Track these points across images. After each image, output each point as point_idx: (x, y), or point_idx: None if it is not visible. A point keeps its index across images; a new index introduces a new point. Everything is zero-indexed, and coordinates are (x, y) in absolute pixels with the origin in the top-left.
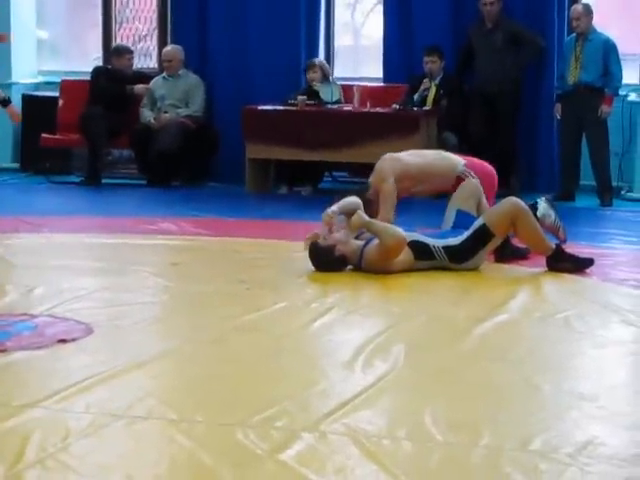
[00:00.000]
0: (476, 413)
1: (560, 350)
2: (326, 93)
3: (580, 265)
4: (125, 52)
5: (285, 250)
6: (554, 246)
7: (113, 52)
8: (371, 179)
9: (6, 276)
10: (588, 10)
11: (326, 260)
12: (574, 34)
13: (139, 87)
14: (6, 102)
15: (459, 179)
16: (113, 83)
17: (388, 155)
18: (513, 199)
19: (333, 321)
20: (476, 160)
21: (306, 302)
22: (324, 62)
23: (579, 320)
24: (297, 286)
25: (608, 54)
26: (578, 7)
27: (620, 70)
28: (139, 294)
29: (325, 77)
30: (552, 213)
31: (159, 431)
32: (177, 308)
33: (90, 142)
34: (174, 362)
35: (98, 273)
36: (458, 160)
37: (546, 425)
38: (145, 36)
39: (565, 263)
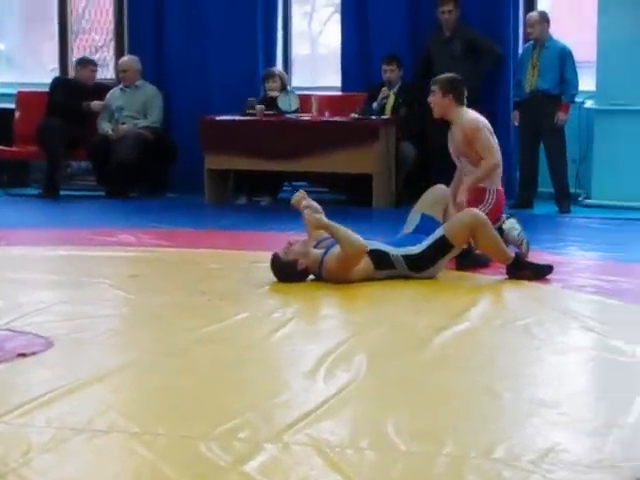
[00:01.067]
0: (438, 422)
1: (520, 357)
2: (284, 103)
3: (539, 272)
4: (89, 64)
5: (245, 261)
6: (513, 255)
7: (77, 63)
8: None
9: None
10: (543, 18)
11: (288, 273)
12: (531, 42)
13: (95, 103)
14: None
15: (482, 191)
16: (72, 95)
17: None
18: (473, 211)
19: (294, 331)
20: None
21: (267, 313)
22: (283, 72)
23: (539, 327)
24: (258, 297)
25: (564, 61)
26: (533, 15)
27: (576, 77)
28: (99, 307)
29: (284, 87)
30: (518, 227)
31: (121, 444)
32: (137, 320)
33: (48, 154)
34: (135, 375)
35: (57, 286)
36: None
37: (508, 433)
38: (101, 47)
39: (525, 271)
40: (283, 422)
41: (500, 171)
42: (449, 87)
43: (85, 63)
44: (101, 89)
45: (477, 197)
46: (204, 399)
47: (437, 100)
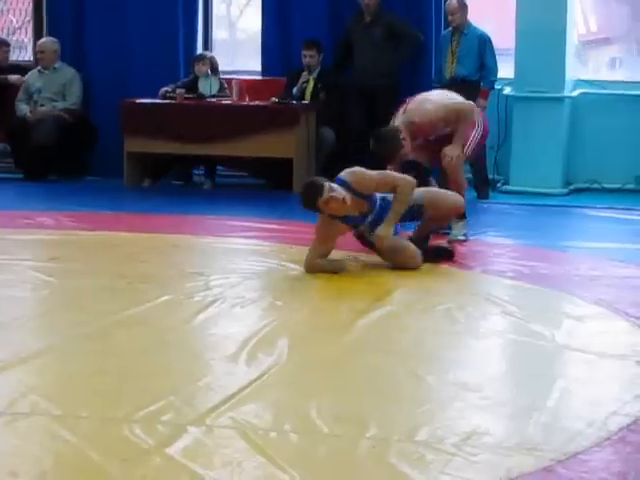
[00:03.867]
0: (361, 405)
1: (443, 341)
2: (205, 86)
3: (438, 255)
4: (2, 44)
5: (165, 244)
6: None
7: None
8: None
9: None
10: (463, 5)
11: (313, 196)
12: (450, 28)
13: (13, 77)
14: None
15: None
16: None
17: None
18: (461, 200)
19: (216, 315)
20: None
21: (188, 295)
22: (214, 56)
23: (460, 312)
24: (178, 280)
25: (484, 48)
26: (453, 2)
27: (495, 64)
28: (18, 289)
29: (214, 71)
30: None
31: (43, 427)
32: (57, 303)
33: None
34: (56, 358)
35: None
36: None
37: (431, 416)
38: (18, 28)
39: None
40: (206, 405)
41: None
42: None
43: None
44: (17, 70)
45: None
46: (126, 382)
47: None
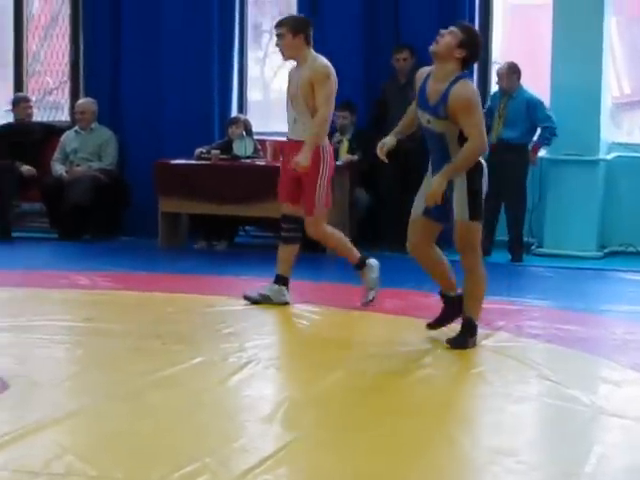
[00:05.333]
0: (397, 468)
1: (477, 405)
2: (239, 147)
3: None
4: (20, 101)
5: (200, 304)
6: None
7: (12, 103)
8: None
9: None
10: (512, 70)
11: None
12: (497, 90)
13: (26, 169)
14: None
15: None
16: (19, 136)
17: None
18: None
19: (251, 376)
20: None
21: (223, 356)
22: (247, 119)
23: (495, 374)
24: (213, 341)
25: (534, 111)
26: (504, 66)
27: (550, 118)
28: (53, 349)
29: (248, 133)
30: (377, 272)
31: None
32: (92, 363)
33: None
34: (91, 418)
35: (11, 328)
36: None
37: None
38: (55, 89)
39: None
40: (241, 467)
41: (328, 127)
42: (299, 27)
43: (18, 101)
44: (49, 129)
45: (313, 157)
46: (161, 443)
47: (288, 42)
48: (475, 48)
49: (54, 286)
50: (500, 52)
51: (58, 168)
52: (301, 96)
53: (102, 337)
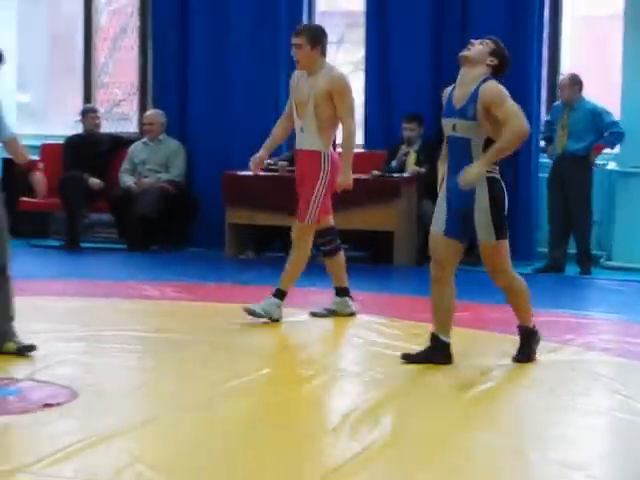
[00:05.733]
0: None
1: (546, 418)
2: None
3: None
4: (88, 112)
5: None
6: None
7: (81, 114)
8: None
9: None
10: (573, 81)
11: None
12: (559, 102)
13: (94, 182)
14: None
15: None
16: (88, 147)
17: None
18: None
19: (318, 387)
20: None
21: (291, 368)
22: None
23: (564, 387)
24: (281, 351)
25: (599, 118)
26: (565, 78)
27: (617, 124)
28: (123, 359)
29: None
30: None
31: None
32: (161, 373)
33: (67, 206)
34: (160, 428)
35: (81, 337)
36: None
37: None
38: (123, 101)
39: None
40: (310, 478)
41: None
42: (318, 39)
43: (86, 112)
44: (120, 141)
45: (311, 164)
46: (230, 453)
47: (306, 53)
48: (505, 59)
49: (123, 296)
50: (569, 64)
51: (126, 179)
52: (313, 106)
53: (171, 347)
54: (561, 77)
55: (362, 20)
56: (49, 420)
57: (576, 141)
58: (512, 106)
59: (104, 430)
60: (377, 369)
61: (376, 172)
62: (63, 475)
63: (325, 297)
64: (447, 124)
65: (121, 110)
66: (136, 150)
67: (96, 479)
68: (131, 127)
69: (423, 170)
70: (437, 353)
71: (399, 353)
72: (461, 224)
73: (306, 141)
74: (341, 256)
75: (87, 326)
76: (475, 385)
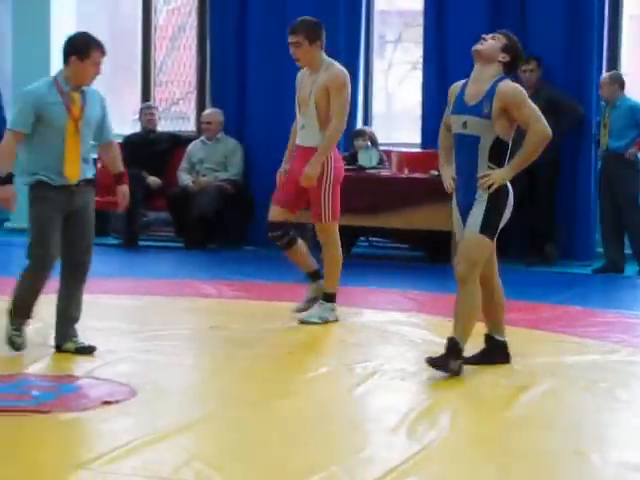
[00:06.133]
0: None
1: (605, 419)
2: (365, 158)
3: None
4: (146, 109)
5: None
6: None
7: (139, 112)
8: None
9: (48, 337)
10: (613, 79)
11: None
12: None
13: (152, 180)
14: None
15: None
16: (146, 145)
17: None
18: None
19: (376, 386)
20: None
21: (348, 366)
22: (372, 131)
23: (624, 389)
24: (339, 350)
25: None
26: (604, 76)
27: None
28: (180, 356)
29: (373, 144)
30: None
31: None
32: (219, 371)
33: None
34: (218, 425)
35: (139, 335)
36: None
37: None
38: (181, 99)
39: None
40: (367, 477)
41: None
42: (316, 34)
43: (142, 110)
44: (178, 140)
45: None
46: (287, 452)
47: (305, 50)
48: (518, 53)
49: (180, 294)
50: (629, 63)
51: (184, 178)
52: (314, 102)
53: (229, 345)
54: (602, 76)
55: (420, 19)
56: (108, 417)
57: (617, 139)
58: (533, 109)
59: (162, 428)
60: (432, 370)
61: (434, 172)
62: (122, 472)
63: (386, 296)
64: (457, 121)
65: (179, 109)
66: (194, 149)
67: (155, 476)
68: (189, 126)
69: None
70: (494, 353)
71: None
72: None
73: (308, 138)
74: (300, 244)
75: (145, 324)
76: (532, 385)
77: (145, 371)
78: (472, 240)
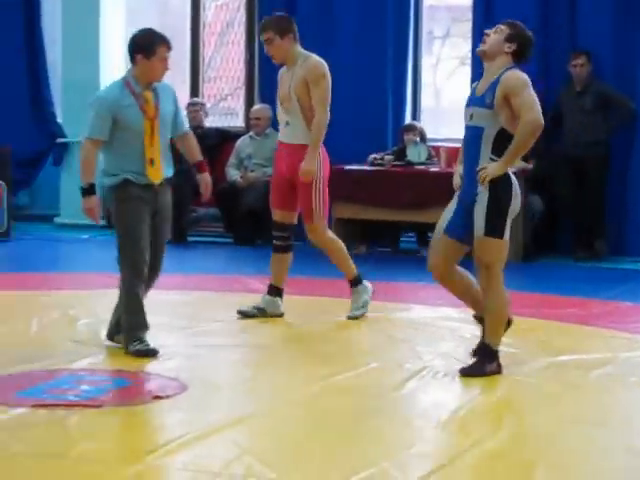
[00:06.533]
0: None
1: None
2: (413, 154)
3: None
4: (189, 105)
5: (373, 310)
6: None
7: (186, 108)
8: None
9: (99, 333)
10: None
11: None
12: None
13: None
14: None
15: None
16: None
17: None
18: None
19: (426, 382)
20: None
21: (398, 363)
22: (422, 126)
23: None
24: (388, 346)
25: None
26: None
27: None
28: (230, 352)
29: (422, 139)
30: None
31: None
32: (269, 367)
33: (175, 200)
34: (269, 420)
35: (188, 331)
36: None
37: None
38: (229, 95)
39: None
40: (418, 473)
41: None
42: (286, 28)
43: (189, 106)
44: (227, 135)
45: (303, 158)
46: (338, 447)
47: (277, 45)
48: (524, 40)
49: (229, 290)
50: None
51: (233, 173)
52: (295, 97)
53: (278, 341)
54: None
55: (468, 14)
56: (159, 412)
57: None
58: (528, 96)
59: (213, 422)
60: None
61: None
62: (173, 466)
63: (435, 291)
64: (466, 114)
65: (227, 105)
66: (243, 144)
67: (206, 471)
68: (237, 122)
69: (530, 165)
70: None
71: (506, 349)
72: (464, 219)
73: (293, 135)
74: (290, 256)
75: (194, 319)
76: (583, 382)
77: (195, 366)
78: (481, 245)
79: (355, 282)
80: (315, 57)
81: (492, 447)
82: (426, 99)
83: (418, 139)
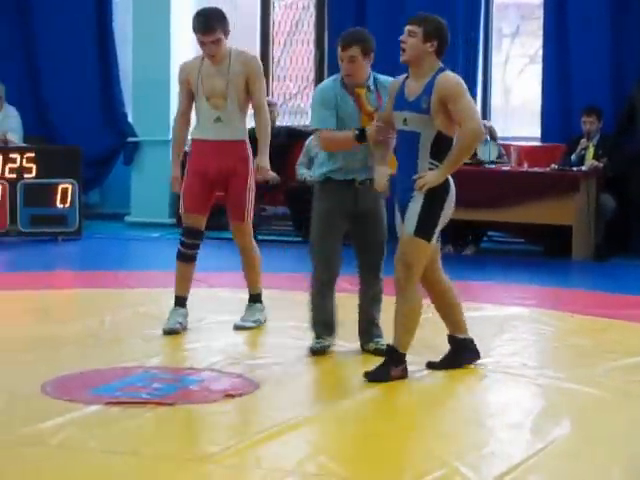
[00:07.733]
0: None
1: None
2: (484, 152)
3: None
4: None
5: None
6: None
7: None
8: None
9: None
10: None
11: None
12: None
13: (271, 176)
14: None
15: None
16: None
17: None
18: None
19: (497, 381)
20: None
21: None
22: (492, 125)
23: None
24: None
25: None
26: None
27: None
28: (301, 350)
29: (493, 138)
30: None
31: None
32: (339, 365)
33: None
34: (341, 419)
35: (258, 329)
36: None
37: None
38: (297, 94)
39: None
40: (491, 473)
41: None
42: (227, 26)
43: None
44: (296, 134)
45: (241, 155)
46: (411, 447)
47: (223, 45)
48: (441, 32)
49: (300, 289)
50: None
51: (303, 172)
52: (231, 93)
53: (347, 340)
54: None
55: (537, 12)
56: (231, 410)
57: None
58: (468, 103)
59: (285, 421)
60: (557, 367)
61: (554, 165)
62: (245, 465)
63: (505, 291)
64: (398, 117)
65: (295, 104)
66: (312, 143)
67: (278, 469)
68: (306, 120)
69: (601, 164)
70: (462, 352)
71: (575, 350)
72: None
73: (227, 132)
74: (193, 266)
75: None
76: None
77: (267, 365)
78: (407, 243)
79: (257, 299)
80: (248, 52)
81: (566, 448)
82: (495, 97)
83: (488, 138)
